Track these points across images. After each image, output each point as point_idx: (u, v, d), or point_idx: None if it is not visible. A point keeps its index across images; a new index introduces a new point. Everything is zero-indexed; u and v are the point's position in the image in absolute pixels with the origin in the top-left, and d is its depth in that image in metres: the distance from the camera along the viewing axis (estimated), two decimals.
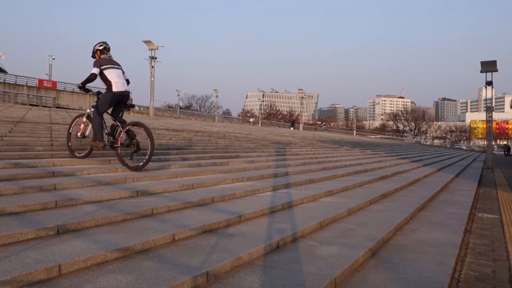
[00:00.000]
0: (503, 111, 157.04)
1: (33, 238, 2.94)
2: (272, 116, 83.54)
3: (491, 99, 21.39)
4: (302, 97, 56.40)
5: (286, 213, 4.69)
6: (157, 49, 28.80)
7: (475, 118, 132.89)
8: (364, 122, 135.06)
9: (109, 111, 6.42)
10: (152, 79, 28.86)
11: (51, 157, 6.87)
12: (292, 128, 50.93)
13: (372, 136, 67.96)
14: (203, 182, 5.91)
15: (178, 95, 62.62)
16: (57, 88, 47.51)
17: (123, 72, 6.47)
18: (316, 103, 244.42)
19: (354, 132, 61.29)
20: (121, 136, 6.25)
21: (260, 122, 57.89)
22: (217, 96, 60.52)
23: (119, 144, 6.24)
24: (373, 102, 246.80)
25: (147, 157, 6.02)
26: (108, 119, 6.50)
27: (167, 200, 4.44)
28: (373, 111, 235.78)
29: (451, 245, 3.93)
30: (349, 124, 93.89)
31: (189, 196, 4.87)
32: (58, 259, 2.49)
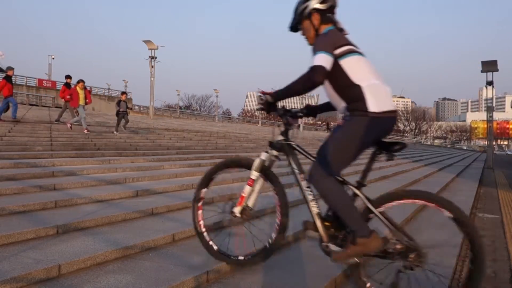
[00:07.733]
0: (504, 111, 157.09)
1: (33, 238, 2.93)
2: (272, 116, 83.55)
3: (492, 99, 21.36)
4: (302, 97, 56.39)
5: None
6: (157, 48, 28.79)
7: (476, 118, 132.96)
8: None
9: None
10: (152, 79, 28.84)
11: (51, 157, 6.88)
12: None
13: None
14: None
15: (178, 95, 62.58)
16: (57, 88, 47.49)
17: None
18: (317, 103, 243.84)
19: None
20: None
21: (260, 122, 57.89)
22: (217, 96, 60.52)
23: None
24: None
25: None
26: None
27: (167, 200, 4.43)
28: None
29: (451, 245, 3.91)
30: None
31: (189, 196, 4.85)
32: (58, 259, 2.48)
